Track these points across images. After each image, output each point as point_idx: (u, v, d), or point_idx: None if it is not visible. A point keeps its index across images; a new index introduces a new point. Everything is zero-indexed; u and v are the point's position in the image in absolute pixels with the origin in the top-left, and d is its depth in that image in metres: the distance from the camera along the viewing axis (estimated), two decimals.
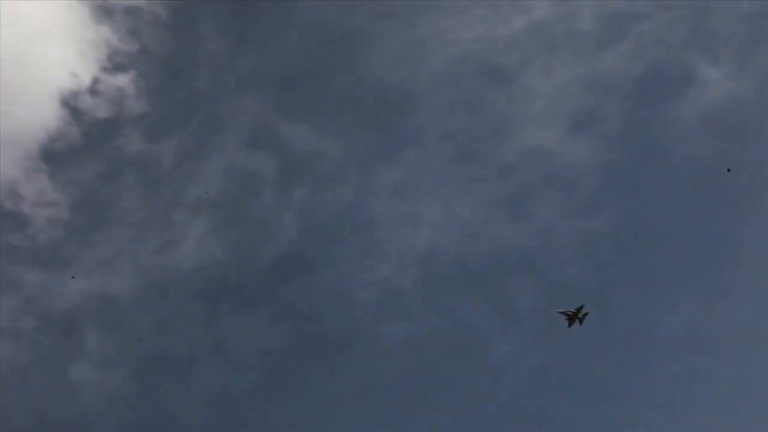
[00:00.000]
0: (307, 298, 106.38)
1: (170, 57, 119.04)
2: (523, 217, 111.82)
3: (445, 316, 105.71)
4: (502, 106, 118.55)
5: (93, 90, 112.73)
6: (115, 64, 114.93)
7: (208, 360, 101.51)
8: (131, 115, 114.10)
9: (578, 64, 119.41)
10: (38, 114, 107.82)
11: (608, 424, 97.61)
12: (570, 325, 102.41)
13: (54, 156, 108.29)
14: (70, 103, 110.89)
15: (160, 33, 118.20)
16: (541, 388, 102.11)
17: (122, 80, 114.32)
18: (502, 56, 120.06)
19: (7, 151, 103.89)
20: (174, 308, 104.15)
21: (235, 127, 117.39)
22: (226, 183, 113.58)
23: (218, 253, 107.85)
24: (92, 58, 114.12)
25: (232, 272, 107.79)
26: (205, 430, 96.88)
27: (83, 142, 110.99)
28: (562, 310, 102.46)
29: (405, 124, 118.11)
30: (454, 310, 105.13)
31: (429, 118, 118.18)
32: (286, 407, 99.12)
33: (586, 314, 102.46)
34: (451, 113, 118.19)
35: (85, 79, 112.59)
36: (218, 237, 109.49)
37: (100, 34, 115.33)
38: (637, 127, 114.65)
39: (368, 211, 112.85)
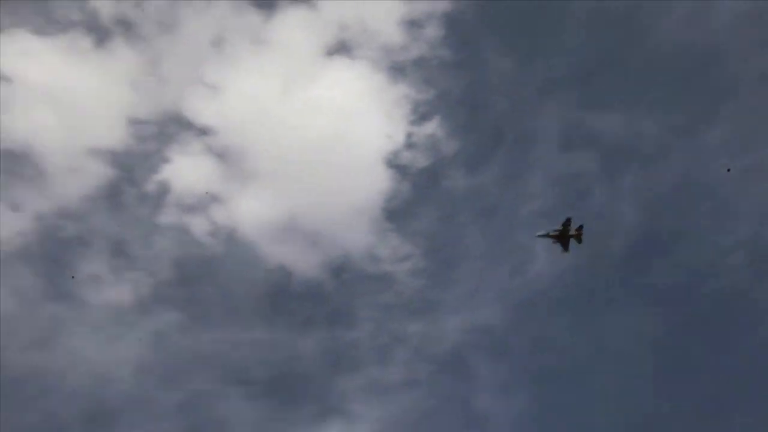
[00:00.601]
0: (672, 279, 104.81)
1: (466, 90, 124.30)
2: None
3: None
4: None
5: (409, 144, 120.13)
6: (420, 114, 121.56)
7: (596, 363, 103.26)
8: (448, 155, 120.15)
9: None
10: (372, 181, 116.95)
11: None
12: (566, 248, 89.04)
13: (395, 213, 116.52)
14: (393, 163, 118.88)
15: (449, 72, 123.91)
16: None
17: (430, 127, 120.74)
18: None
19: (358, 222, 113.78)
20: (545, 322, 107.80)
21: (546, 135, 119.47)
22: (553, 191, 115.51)
23: (569, 263, 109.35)
24: (399, 116, 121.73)
25: (586, 273, 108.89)
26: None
27: (415, 194, 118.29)
28: (542, 233, 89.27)
29: (715, 79, 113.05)
30: None
31: (739, 65, 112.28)
32: (685, 391, 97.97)
33: (580, 227, 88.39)
34: (764, 52, 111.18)
35: (400, 137, 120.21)
36: None
37: (399, 91, 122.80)
38: None
39: (705, 176, 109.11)
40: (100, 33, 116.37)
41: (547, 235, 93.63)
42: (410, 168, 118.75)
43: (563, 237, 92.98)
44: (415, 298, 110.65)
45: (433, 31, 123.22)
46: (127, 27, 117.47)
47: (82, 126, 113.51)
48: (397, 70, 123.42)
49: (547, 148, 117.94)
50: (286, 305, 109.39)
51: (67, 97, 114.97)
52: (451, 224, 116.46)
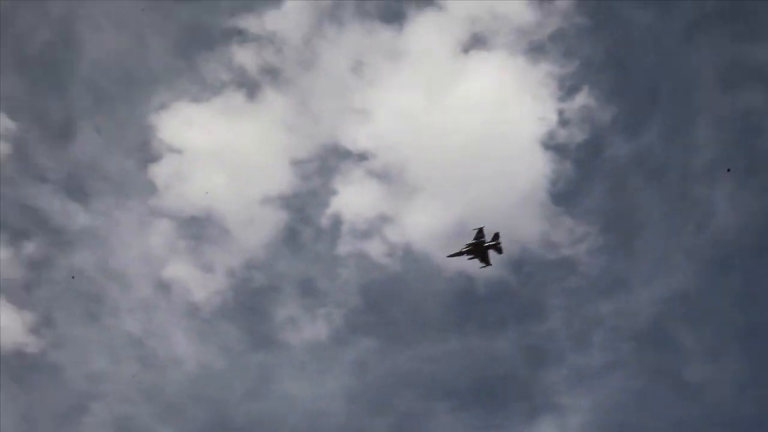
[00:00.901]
0: None
1: (609, 53, 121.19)
2: None
3: None
4: None
5: (562, 121, 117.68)
6: (567, 89, 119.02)
7: None
8: (605, 124, 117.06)
9: None
10: (533, 167, 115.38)
11: None
12: (486, 262, 76.69)
13: (563, 196, 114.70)
14: (550, 144, 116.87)
15: (589, 38, 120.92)
16: None
17: (581, 99, 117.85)
18: None
19: (528, 212, 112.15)
20: (743, 275, 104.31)
21: (703, 79, 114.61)
22: (723, 136, 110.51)
23: (754, 208, 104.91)
24: (547, 95, 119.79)
25: None
26: None
27: (578, 169, 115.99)
28: (453, 253, 79.36)
29: None
30: None
31: None
32: None
33: (496, 235, 79.30)
34: None
35: (552, 116, 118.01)
36: (746, 192, 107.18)
37: (542, 71, 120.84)
38: None
39: None
40: (249, 86, 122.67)
41: (461, 254, 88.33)
42: (569, 145, 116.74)
43: (479, 250, 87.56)
44: (601, 277, 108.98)
45: (564, 0, 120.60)
46: (272, 75, 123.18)
47: (251, 178, 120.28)
48: (536, 49, 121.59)
49: (708, 92, 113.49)
50: (473, 310, 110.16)
51: (232, 155, 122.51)
52: (622, 194, 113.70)
